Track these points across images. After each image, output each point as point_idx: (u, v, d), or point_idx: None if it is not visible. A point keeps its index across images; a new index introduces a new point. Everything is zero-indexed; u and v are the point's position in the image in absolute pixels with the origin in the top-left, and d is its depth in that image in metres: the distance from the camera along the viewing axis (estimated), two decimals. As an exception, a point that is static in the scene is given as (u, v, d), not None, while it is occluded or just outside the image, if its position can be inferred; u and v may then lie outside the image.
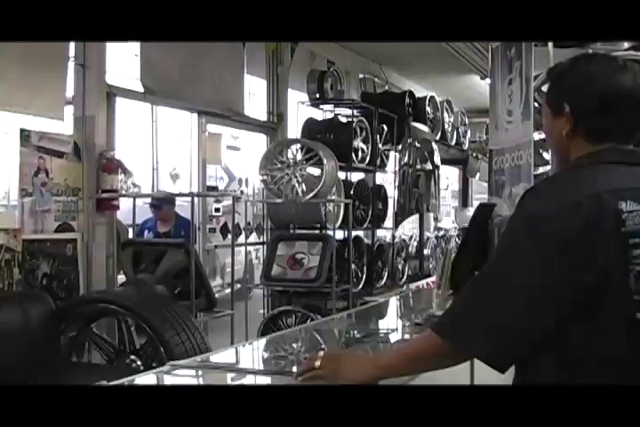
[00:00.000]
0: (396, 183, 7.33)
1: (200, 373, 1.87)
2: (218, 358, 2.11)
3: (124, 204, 4.81)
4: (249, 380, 1.79)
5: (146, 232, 5.53)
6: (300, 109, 6.78)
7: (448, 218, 10.35)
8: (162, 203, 5.43)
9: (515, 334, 1.34)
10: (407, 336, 2.26)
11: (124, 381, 1.71)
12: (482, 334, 1.35)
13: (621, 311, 1.34)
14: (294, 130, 6.73)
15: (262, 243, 6.06)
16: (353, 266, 6.02)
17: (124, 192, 4.65)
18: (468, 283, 1.42)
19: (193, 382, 1.82)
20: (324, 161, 5.50)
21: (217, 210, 6.07)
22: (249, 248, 6.92)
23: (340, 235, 6.00)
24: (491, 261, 1.40)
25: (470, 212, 6.44)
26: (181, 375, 1.83)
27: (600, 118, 1.46)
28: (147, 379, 1.79)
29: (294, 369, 1.67)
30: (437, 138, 7.90)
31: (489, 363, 1.36)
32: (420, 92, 8.10)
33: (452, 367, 1.47)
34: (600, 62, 1.51)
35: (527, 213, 1.38)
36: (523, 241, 1.35)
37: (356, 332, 2.61)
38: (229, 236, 5.53)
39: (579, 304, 1.33)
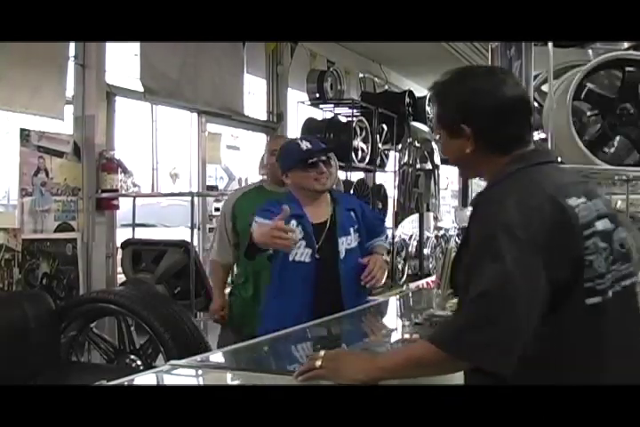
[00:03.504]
0: (396, 183, 7.33)
1: (200, 373, 1.87)
2: (218, 358, 2.11)
3: (124, 204, 4.81)
4: (249, 380, 1.79)
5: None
6: (299, 109, 6.79)
7: (448, 218, 10.35)
8: None
9: (517, 340, 1.35)
10: (407, 336, 2.26)
11: (124, 381, 1.71)
12: (484, 343, 1.34)
13: (577, 300, 1.40)
14: (294, 129, 6.73)
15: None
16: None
17: (123, 192, 4.65)
18: (463, 295, 1.41)
19: (193, 382, 1.82)
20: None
21: (217, 209, 6.06)
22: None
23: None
24: (480, 271, 1.38)
25: (470, 211, 6.43)
26: (181, 375, 1.83)
27: (498, 132, 1.52)
28: (147, 379, 1.79)
29: (295, 369, 1.66)
30: (437, 137, 7.89)
31: (494, 371, 1.36)
32: (419, 91, 8.10)
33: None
34: (483, 77, 1.56)
35: (501, 221, 1.40)
36: (507, 248, 1.36)
37: (356, 331, 2.61)
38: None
39: (551, 301, 1.39)
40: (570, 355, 1.41)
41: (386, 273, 2.78)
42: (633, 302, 1.55)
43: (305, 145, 2.76)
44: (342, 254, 2.73)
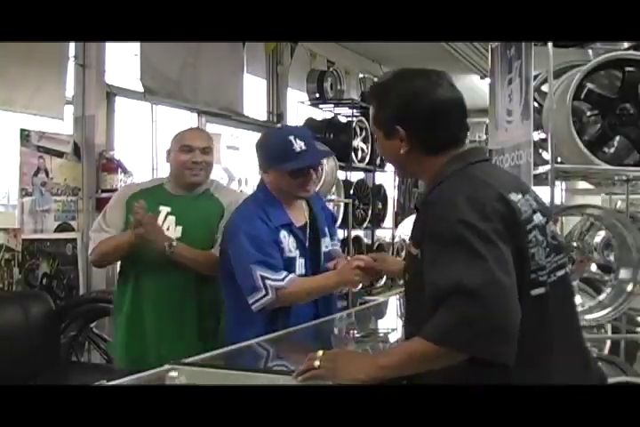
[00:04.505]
0: (396, 183, 7.34)
1: (200, 373, 1.87)
2: (218, 358, 2.10)
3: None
4: (249, 380, 1.79)
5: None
6: (299, 109, 6.79)
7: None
8: None
9: (512, 328, 1.37)
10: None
11: (124, 381, 1.71)
12: (484, 335, 1.35)
13: (523, 291, 1.43)
14: (294, 130, 6.72)
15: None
16: (353, 266, 5.99)
17: (123, 192, 4.63)
18: (443, 295, 1.39)
19: (193, 381, 1.82)
20: (324, 161, 5.49)
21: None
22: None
23: (339, 234, 6.00)
24: (456, 269, 1.38)
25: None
26: (181, 375, 1.83)
27: (433, 134, 1.57)
28: (147, 379, 1.79)
29: (294, 369, 1.66)
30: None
31: (498, 360, 1.37)
32: (419, 91, 8.09)
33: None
34: (418, 80, 1.59)
35: (459, 219, 1.42)
36: (474, 242, 1.39)
37: (355, 331, 2.61)
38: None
39: None
40: (519, 344, 1.41)
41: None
42: (568, 291, 1.63)
43: (299, 146, 2.36)
44: (323, 258, 2.51)
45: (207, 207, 2.70)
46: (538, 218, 1.54)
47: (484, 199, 1.45)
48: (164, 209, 2.64)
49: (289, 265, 2.40)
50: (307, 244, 2.47)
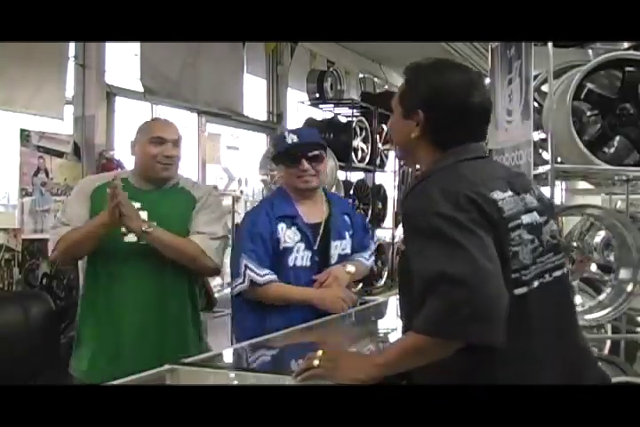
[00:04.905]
0: (396, 183, 7.34)
1: (200, 373, 1.87)
2: (218, 358, 2.10)
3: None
4: (249, 380, 1.79)
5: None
6: (299, 109, 6.78)
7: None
8: None
9: (496, 311, 1.37)
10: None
11: (124, 381, 1.71)
12: (469, 319, 1.35)
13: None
14: (294, 130, 6.72)
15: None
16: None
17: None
18: (428, 286, 1.41)
19: (193, 382, 1.82)
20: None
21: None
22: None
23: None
24: (437, 259, 1.40)
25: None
26: (181, 375, 1.83)
27: (449, 129, 1.58)
28: (147, 379, 1.79)
29: (294, 369, 1.66)
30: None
31: (485, 342, 1.37)
32: (419, 91, 8.08)
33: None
34: (459, 74, 1.60)
35: (430, 211, 1.44)
36: (452, 231, 1.40)
37: (356, 331, 2.61)
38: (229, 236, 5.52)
39: None
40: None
41: (343, 284, 2.58)
42: (566, 292, 1.62)
43: (291, 138, 2.55)
44: (334, 260, 2.59)
45: (179, 201, 2.57)
46: (531, 217, 1.53)
47: (457, 191, 1.45)
48: (134, 205, 2.45)
49: (283, 254, 2.53)
50: (316, 241, 2.56)
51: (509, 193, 1.52)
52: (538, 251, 1.52)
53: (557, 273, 1.57)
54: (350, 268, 2.62)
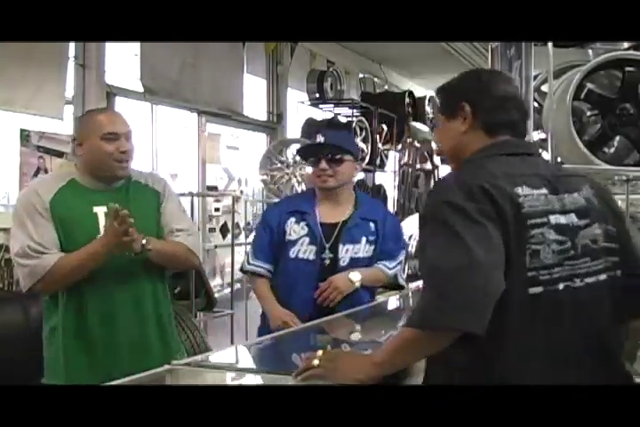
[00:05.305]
0: (396, 183, 7.34)
1: (200, 373, 1.87)
2: (218, 358, 2.10)
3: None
4: (249, 380, 1.79)
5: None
6: (299, 109, 6.78)
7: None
8: None
9: (487, 299, 1.36)
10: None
11: (124, 381, 1.71)
12: (461, 307, 1.35)
13: (516, 287, 1.41)
14: (294, 130, 6.73)
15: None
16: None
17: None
18: (423, 276, 1.46)
19: (193, 382, 1.82)
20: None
21: (217, 210, 6.06)
22: (248, 248, 6.88)
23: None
24: (433, 246, 1.43)
25: None
26: (181, 375, 1.83)
27: (496, 115, 1.61)
28: (147, 379, 1.79)
29: (294, 369, 1.66)
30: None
31: (466, 330, 1.37)
32: (419, 91, 8.10)
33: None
34: (490, 74, 1.75)
35: (440, 200, 1.46)
36: (456, 221, 1.40)
37: (355, 331, 2.61)
38: (229, 235, 5.52)
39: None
40: (506, 343, 1.43)
41: (344, 293, 2.64)
42: (599, 301, 1.52)
43: (318, 138, 2.71)
44: (345, 262, 2.66)
45: (143, 198, 2.38)
46: (567, 218, 1.49)
47: (472, 182, 1.45)
48: (100, 210, 2.23)
49: (286, 246, 2.70)
50: (330, 240, 2.67)
51: (542, 191, 1.50)
52: (568, 253, 1.47)
53: (590, 280, 1.49)
54: (354, 276, 2.65)
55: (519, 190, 1.47)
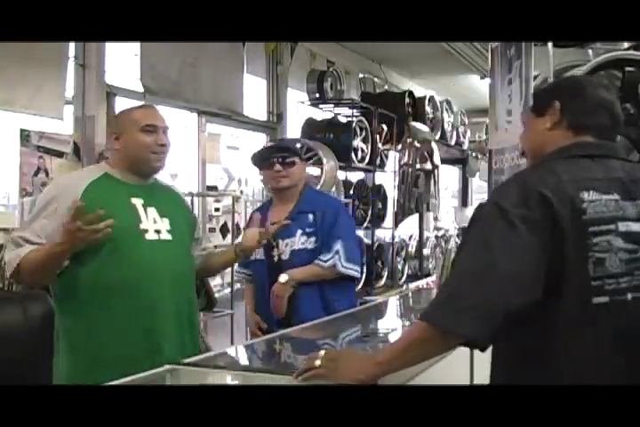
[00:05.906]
0: (396, 183, 7.33)
1: (200, 373, 1.87)
2: (218, 358, 2.10)
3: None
4: (249, 380, 1.79)
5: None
6: (299, 109, 6.78)
7: (448, 218, 10.35)
8: None
9: (491, 309, 1.35)
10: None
11: (124, 381, 1.71)
12: (463, 311, 1.35)
13: (578, 297, 1.39)
14: (294, 130, 6.73)
15: (262, 243, 6.03)
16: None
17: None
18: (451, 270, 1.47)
19: (193, 382, 1.82)
20: (324, 161, 5.50)
21: (217, 210, 6.06)
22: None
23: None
24: (466, 246, 1.44)
25: (470, 211, 6.44)
26: (181, 375, 1.83)
27: (584, 117, 1.58)
28: (147, 379, 1.79)
29: (295, 369, 1.66)
30: (437, 138, 7.90)
31: (470, 339, 1.37)
32: (419, 91, 8.09)
33: (452, 368, 1.47)
34: (588, 80, 1.78)
35: (493, 200, 1.44)
36: (495, 225, 1.39)
37: (355, 331, 2.61)
38: (229, 235, 5.52)
39: (544, 288, 1.38)
40: (566, 352, 1.41)
41: (285, 298, 2.75)
42: None
43: (269, 144, 3.07)
44: (286, 256, 2.81)
45: (171, 197, 2.43)
46: (638, 226, 1.44)
47: (534, 187, 1.41)
48: (138, 201, 2.27)
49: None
50: (277, 237, 2.78)
51: (613, 196, 1.45)
52: (638, 262, 1.43)
53: None
54: (283, 278, 2.76)
55: (585, 195, 1.42)
